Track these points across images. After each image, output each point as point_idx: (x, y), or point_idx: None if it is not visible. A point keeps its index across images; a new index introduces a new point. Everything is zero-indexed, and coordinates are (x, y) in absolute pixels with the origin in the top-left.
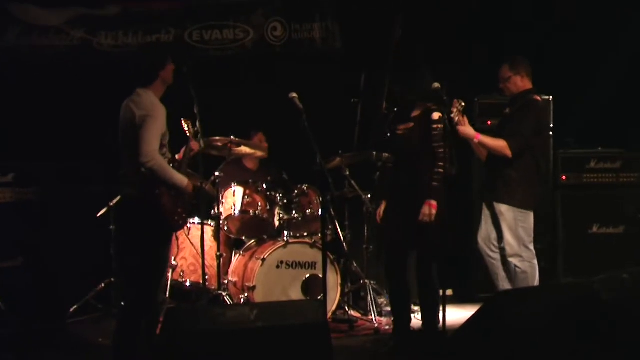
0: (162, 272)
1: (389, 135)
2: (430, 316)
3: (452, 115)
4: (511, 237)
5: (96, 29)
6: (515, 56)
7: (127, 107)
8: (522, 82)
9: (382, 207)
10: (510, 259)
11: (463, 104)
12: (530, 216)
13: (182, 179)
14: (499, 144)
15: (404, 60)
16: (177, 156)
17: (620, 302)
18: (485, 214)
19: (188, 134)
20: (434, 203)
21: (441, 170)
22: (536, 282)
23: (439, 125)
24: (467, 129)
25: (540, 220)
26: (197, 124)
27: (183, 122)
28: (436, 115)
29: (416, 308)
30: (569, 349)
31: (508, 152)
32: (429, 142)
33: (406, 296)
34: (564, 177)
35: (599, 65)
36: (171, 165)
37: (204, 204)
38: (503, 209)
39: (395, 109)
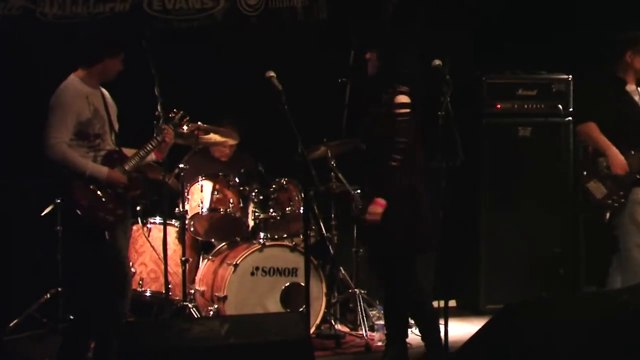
0: (103, 279)
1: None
2: (426, 331)
3: None
4: None
5: None
6: None
7: None
8: None
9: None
10: None
11: None
12: None
13: (97, 170)
14: None
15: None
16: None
17: None
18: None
19: (170, 120)
20: (381, 201)
21: (395, 164)
22: None
23: (404, 110)
24: None
25: (558, 219)
26: (159, 107)
27: (175, 111)
28: (402, 98)
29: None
30: None
31: None
32: (392, 131)
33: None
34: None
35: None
36: (108, 156)
37: (167, 201)
38: None
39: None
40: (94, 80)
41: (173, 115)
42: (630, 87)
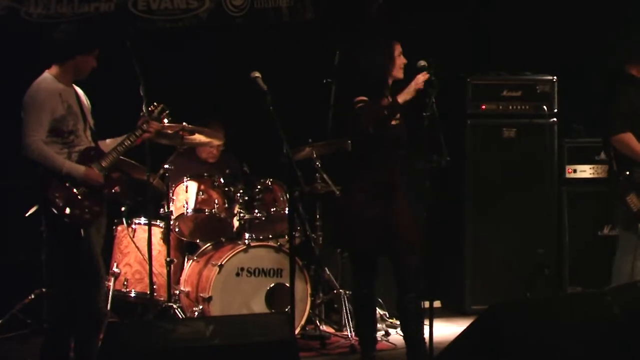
0: (80, 276)
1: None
2: (420, 331)
3: None
4: None
5: None
6: None
7: None
8: None
9: None
10: None
11: None
12: None
13: (74, 168)
14: None
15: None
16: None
17: (636, 316)
18: None
19: (150, 114)
20: None
21: None
22: None
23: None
24: None
25: (543, 220)
26: (144, 107)
27: (154, 104)
28: None
29: (397, 322)
30: None
31: None
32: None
33: (375, 310)
34: (570, 170)
35: (609, 39)
36: (85, 153)
37: (152, 202)
38: None
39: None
40: (67, 78)
41: (153, 108)
42: None
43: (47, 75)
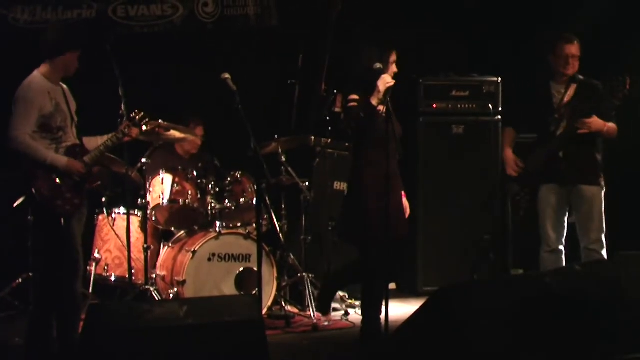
0: (58, 262)
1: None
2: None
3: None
4: (599, 221)
5: (11, 3)
6: None
7: None
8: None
9: None
10: (594, 246)
11: None
12: None
13: (57, 158)
14: (615, 128)
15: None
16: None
17: (572, 295)
18: (552, 202)
19: (132, 119)
20: None
21: None
22: None
23: None
24: (598, 121)
25: (488, 208)
26: (122, 106)
27: (136, 112)
28: None
29: (357, 303)
30: (520, 345)
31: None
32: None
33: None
34: None
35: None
36: (71, 149)
37: (130, 193)
38: (595, 191)
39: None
40: (56, 76)
41: (134, 115)
42: (555, 85)
43: (37, 74)
